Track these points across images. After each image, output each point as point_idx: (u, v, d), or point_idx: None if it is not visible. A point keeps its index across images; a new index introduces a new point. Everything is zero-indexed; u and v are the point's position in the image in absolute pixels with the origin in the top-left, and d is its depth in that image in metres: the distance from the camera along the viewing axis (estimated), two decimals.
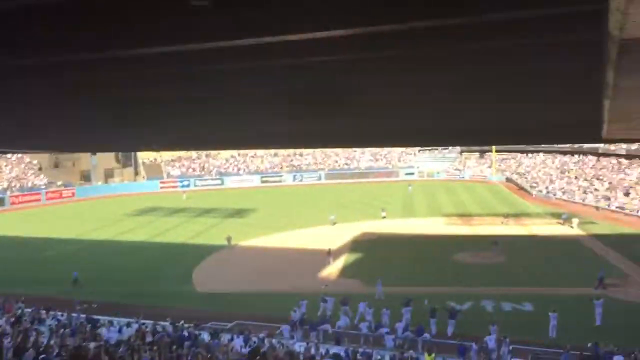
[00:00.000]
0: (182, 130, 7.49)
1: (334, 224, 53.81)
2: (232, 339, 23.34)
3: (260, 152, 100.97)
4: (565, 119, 5.13)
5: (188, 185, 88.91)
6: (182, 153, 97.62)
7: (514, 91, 4.48)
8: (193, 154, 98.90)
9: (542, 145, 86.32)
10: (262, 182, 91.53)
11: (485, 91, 4.70)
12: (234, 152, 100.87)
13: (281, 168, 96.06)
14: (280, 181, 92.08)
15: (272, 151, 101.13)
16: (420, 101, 5.27)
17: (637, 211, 55.91)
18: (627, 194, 61.25)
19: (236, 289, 34.90)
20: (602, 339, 24.23)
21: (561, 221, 52.54)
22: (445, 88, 4.75)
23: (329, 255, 41.33)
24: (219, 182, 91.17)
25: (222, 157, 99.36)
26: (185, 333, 23.41)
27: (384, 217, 57.48)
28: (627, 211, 56.55)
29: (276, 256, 43.36)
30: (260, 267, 39.96)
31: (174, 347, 19.57)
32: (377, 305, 29.28)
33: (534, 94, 4.41)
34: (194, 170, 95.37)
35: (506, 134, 5.86)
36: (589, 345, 23.42)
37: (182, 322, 25.63)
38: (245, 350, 21.00)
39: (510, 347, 25.01)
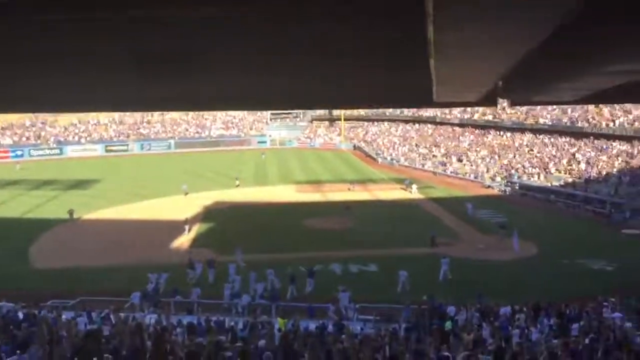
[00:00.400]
0: (16, 88, 6.73)
1: (186, 194, 52.43)
2: (75, 317, 22.10)
3: (104, 119, 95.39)
4: (397, 82, 5.34)
5: (22, 156, 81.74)
6: (15, 120, 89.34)
7: (347, 55, 4.54)
8: (27, 121, 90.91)
9: (387, 114, 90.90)
10: (107, 151, 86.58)
11: (321, 56, 4.72)
12: (74, 119, 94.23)
13: (127, 137, 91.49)
14: (126, 150, 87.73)
15: (117, 119, 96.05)
16: (265, 64, 5.20)
17: (468, 175, 61.01)
18: (460, 160, 66.54)
19: (80, 264, 32.95)
20: (440, 293, 26.47)
21: (404, 187, 55.74)
22: (285, 51, 4.70)
23: (186, 223, 40.50)
24: (57, 151, 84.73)
25: (61, 124, 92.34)
26: (20, 314, 21.71)
27: (237, 186, 57.33)
28: (460, 175, 61.48)
29: (124, 229, 41.47)
30: (106, 241, 38.05)
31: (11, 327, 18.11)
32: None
33: (365, 57, 4.51)
34: (27, 139, 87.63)
35: (347, 98, 6.06)
36: (425, 298, 25.41)
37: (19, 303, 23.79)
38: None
39: (357, 306, 26.42)
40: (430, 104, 5.55)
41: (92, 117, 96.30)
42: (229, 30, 4.41)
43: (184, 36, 4.42)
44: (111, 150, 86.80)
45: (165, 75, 5.57)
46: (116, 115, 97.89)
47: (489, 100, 5.16)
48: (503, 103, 5.12)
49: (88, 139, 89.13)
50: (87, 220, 44.70)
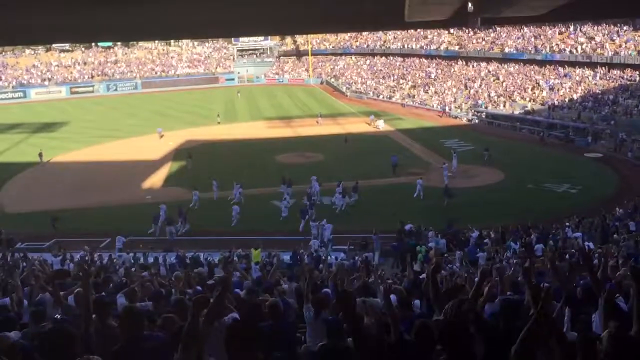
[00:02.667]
0: None
1: (162, 136, 51.19)
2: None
3: (67, 61, 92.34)
4: (369, 4, 5.42)
5: None
6: None
7: None
8: None
9: (354, 48, 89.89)
10: (72, 93, 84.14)
11: None
12: (36, 61, 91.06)
13: (92, 77, 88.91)
14: (92, 92, 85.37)
15: (81, 60, 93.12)
16: None
17: (434, 106, 61.45)
18: (426, 91, 66.80)
19: (51, 207, 32.77)
20: (415, 219, 27.43)
21: (369, 121, 55.60)
22: None
23: (190, 157, 41.63)
24: (20, 94, 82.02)
25: (21, 66, 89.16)
26: None
27: (219, 123, 57.66)
28: (427, 106, 61.89)
29: (94, 170, 41.08)
30: (77, 183, 37.80)
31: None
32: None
33: None
34: None
35: (316, 21, 6.07)
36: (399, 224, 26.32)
37: None
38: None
39: (331, 236, 27.14)
40: (401, 24, 5.67)
41: (54, 58, 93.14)
42: None
43: None
44: (76, 92, 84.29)
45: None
46: (79, 56, 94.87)
47: (459, 18, 5.31)
48: (474, 20, 5.29)
49: (52, 80, 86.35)
50: (55, 162, 44.11)
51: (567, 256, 18.39)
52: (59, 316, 6.66)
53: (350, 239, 26.91)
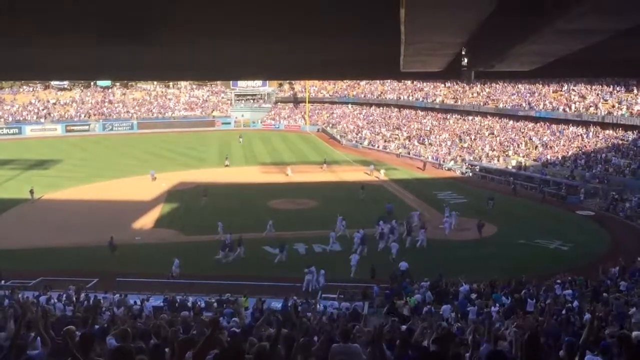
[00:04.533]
0: None
1: (154, 179, 50.80)
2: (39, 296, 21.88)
3: (64, 99, 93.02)
4: (365, 52, 5.52)
5: None
6: None
7: (317, 23, 4.68)
8: None
9: (351, 97, 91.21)
10: (67, 131, 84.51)
11: (288, 23, 4.85)
12: (32, 98, 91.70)
13: (89, 116, 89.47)
14: (87, 130, 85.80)
15: (78, 98, 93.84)
16: (229, 31, 5.30)
17: (430, 158, 61.92)
18: (422, 143, 67.44)
19: (40, 244, 32.47)
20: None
21: (368, 171, 55.41)
22: (253, 18, 4.82)
23: (205, 195, 42.30)
24: (16, 130, 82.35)
25: (19, 102, 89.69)
26: None
27: (227, 166, 58.11)
28: (422, 158, 62.31)
29: (85, 209, 40.91)
30: (67, 221, 37.54)
31: None
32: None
33: (335, 27, 4.66)
34: None
35: (313, 68, 6.17)
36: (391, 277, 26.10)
37: None
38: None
39: (325, 283, 26.91)
40: (397, 74, 5.76)
41: (51, 96, 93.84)
42: None
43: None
44: (72, 130, 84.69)
45: (126, 41, 5.57)
46: (77, 94, 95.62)
47: (453, 71, 5.41)
48: (467, 74, 5.38)
49: (48, 118, 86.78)
50: (47, 200, 43.89)
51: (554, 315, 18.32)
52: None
53: (340, 287, 26.65)
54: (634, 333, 9.90)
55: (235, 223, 34.65)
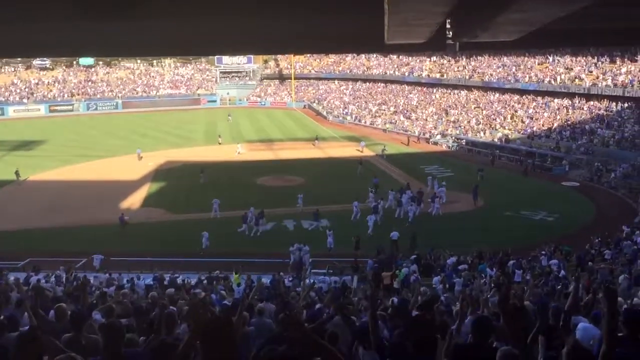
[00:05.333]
0: None
1: (141, 158, 50.46)
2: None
3: (47, 79, 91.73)
4: (348, 24, 5.51)
5: None
6: None
7: None
8: None
9: (337, 72, 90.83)
10: (51, 111, 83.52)
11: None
12: (15, 79, 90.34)
13: (72, 96, 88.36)
14: (71, 110, 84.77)
15: (61, 78, 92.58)
16: (212, 4, 5.26)
17: (417, 132, 62.03)
18: (408, 118, 67.50)
19: (27, 225, 32.31)
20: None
21: (359, 148, 54.61)
22: None
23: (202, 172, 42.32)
24: None
25: (1, 83, 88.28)
26: None
27: (219, 144, 58.01)
28: (409, 133, 62.38)
29: (72, 189, 40.61)
30: (54, 202, 37.30)
31: None
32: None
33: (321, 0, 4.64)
34: None
35: (298, 41, 6.13)
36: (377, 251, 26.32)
37: None
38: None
39: (310, 260, 27.08)
40: (382, 46, 5.76)
41: (34, 76, 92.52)
42: None
43: None
44: (55, 110, 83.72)
45: (109, 16, 5.50)
46: (60, 74, 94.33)
47: (438, 43, 5.42)
48: (452, 45, 5.40)
49: (31, 98, 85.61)
50: (33, 181, 43.54)
51: (542, 283, 18.65)
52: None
53: (329, 262, 26.88)
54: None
55: (223, 201, 34.61)
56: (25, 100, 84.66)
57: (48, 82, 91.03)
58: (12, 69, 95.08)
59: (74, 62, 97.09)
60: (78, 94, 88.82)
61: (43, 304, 8.99)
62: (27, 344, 3.73)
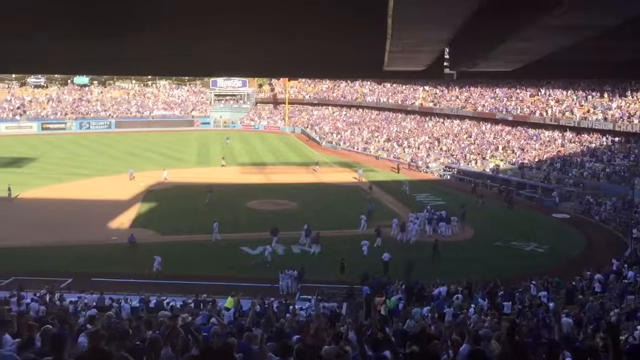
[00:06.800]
0: None
1: (133, 178, 50.06)
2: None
3: (41, 97, 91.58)
4: (349, 52, 5.51)
5: None
6: None
7: (303, 22, 4.66)
8: None
9: (331, 99, 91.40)
10: (44, 129, 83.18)
11: (276, 22, 4.82)
12: (8, 95, 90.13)
13: (65, 115, 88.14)
14: (64, 129, 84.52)
15: (55, 96, 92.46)
16: (212, 27, 5.24)
17: (409, 160, 62.20)
18: (400, 145, 67.75)
19: (14, 243, 31.88)
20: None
21: (357, 176, 53.99)
22: (236, 14, 4.76)
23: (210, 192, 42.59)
24: None
25: None
26: None
27: (223, 166, 58.09)
28: (401, 160, 62.53)
29: (61, 208, 40.26)
30: (42, 220, 36.91)
31: None
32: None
33: (321, 26, 4.63)
34: None
35: (299, 67, 6.14)
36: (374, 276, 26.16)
37: None
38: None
39: (300, 286, 26.86)
40: (380, 73, 5.75)
41: (27, 93, 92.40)
42: None
43: None
44: (48, 128, 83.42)
45: (105, 34, 5.47)
46: (54, 92, 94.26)
47: (436, 71, 5.41)
48: (450, 74, 5.38)
49: (23, 116, 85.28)
50: (23, 198, 43.15)
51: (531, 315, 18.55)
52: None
53: (318, 289, 26.62)
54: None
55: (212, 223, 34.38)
56: (17, 117, 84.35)
57: (42, 100, 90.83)
58: (6, 86, 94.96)
59: (69, 81, 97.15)
60: (72, 113, 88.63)
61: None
62: None
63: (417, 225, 35.61)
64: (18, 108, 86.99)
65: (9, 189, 42.39)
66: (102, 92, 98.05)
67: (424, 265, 29.31)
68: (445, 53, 4.49)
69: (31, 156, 61.33)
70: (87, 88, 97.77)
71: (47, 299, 21.94)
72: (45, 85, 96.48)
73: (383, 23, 3.40)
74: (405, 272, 27.62)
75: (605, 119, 52.31)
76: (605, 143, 51.65)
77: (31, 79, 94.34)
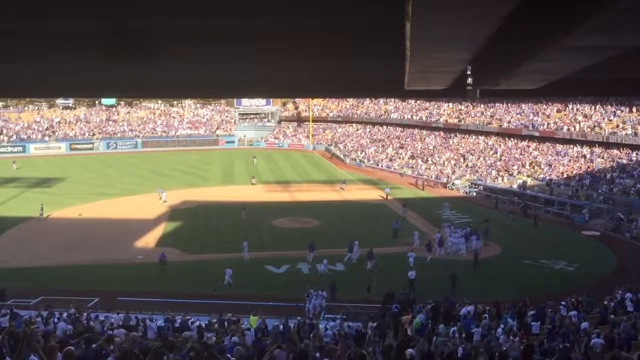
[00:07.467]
0: None
1: (161, 198, 49.74)
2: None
3: (69, 117, 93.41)
4: (368, 70, 5.47)
5: None
6: None
7: (324, 43, 4.64)
8: None
9: (355, 116, 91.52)
10: (71, 149, 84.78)
11: (298, 42, 4.80)
12: (37, 117, 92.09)
13: (93, 135, 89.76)
14: (91, 149, 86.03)
15: (83, 117, 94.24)
16: (237, 50, 5.25)
17: (434, 177, 61.78)
18: (425, 162, 67.36)
19: (43, 263, 32.34)
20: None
21: (384, 195, 53.58)
22: (258, 37, 4.76)
23: (243, 209, 43.17)
24: (20, 149, 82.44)
25: (24, 120, 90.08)
26: None
27: (253, 184, 58.66)
28: (425, 177, 62.11)
29: (88, 228, 40.78)
30: (70, 239, 37.42)
31: None
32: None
33: (341, 46, 4.61)
34: None
35: (320, 87, 6.14)
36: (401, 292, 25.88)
37: None
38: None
39: (324, 304, 26.64)
40: (401, 92, 5.69)
41: (56, 115, 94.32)
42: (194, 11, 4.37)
43: (150, 14, 4.37)
44: (76, 149, 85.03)
45: (131, 58, 5.50)
46: (82, 113, 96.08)
47: (458, 89, 5.33)
48: (472, 92, 5.30)
49: (52, 136, 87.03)
50: (51, 218, 43.80)
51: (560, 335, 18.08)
52: None
53: (344, 308, 26.38)
54: None
55: (238, 241, 34.45)
56: (46, 138, 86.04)
57: (70, 121, 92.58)
58: (36, 107, 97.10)
59: (96, 102, 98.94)
60: (99, 133, 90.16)
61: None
62: None
63: (461, 237, 36.21)
64: (47, 129, 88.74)
65: (42, 209, 43.06)
66: (128, 112, 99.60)
67: (449, 284, 28.90)
68: (468, 71, 4.43)
69: (60, 176, 62.38)
70: (114, 108, 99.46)
71: (74, 318, 22.14)
72: (73, 106, 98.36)
73: (402, 44, 3.35)
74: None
75: (636, 133, 51.40)
76: (635, 158, 50.67)
77: (60, 101, 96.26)
